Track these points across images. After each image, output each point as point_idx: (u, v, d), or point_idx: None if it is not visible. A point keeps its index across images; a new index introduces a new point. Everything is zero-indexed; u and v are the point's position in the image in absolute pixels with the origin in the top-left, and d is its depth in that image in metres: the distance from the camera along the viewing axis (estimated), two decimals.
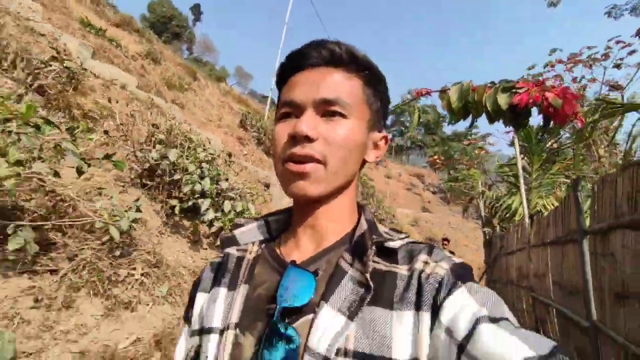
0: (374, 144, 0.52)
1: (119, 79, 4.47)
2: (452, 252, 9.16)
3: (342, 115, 0.46)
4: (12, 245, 1.49)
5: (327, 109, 0.46)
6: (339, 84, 0.47)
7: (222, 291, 0.49)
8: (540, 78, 11.47)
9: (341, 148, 0.46)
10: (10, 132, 1.60)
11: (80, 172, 1.86)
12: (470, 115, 3.51)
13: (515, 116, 3.10)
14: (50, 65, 2.75)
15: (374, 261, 0.45)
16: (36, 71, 2.66)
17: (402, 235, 0.49)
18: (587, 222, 3.10)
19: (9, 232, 1.57)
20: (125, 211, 1.91)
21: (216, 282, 0.51)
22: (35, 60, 2.77)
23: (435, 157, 13.51)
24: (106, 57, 5.47)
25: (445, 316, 0.38)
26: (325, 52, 0.48)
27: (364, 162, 0.52)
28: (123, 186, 2.61)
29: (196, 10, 52.37)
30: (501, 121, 3.36)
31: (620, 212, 2.35)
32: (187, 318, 0.53)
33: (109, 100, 3.03)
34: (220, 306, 0.47)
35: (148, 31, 13.67)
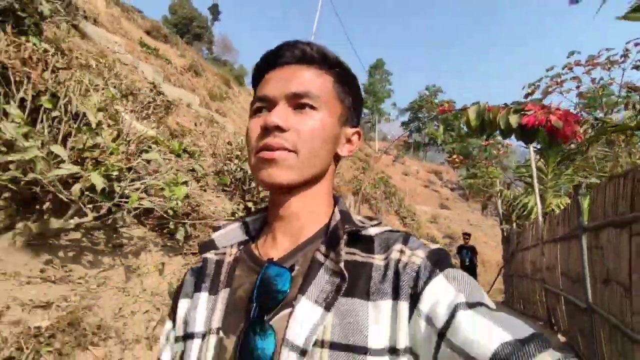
0: (346, 138, 0.54)
1: (183, 99, 5.30)
2: (473, 247, 9.46)
3: (312, 107, 0.48)
4: (179, 236, 2.29)
5: (297, 102, 0.48)
6: (309, 80, 0.49)
7: (203, 296, 0.50)
8: (559, 79, 11.78)
9: (312, 138, 0.47)
10: (169, 160, 2.40)
11: (198, 183, 2.65)
12: (486, 131, 4.16)
13: (525, 134, 3.73)
14: (155, 100, 3.58)
15: (351, 252, 0.46)
16: (148, 103, 3.49)
17: (375, 222, 0.50)
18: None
19: (171, 226, 2.37)
20: (233, 213, 2.69)
21: (197, 288, 0.52)
22: (140, 94, 3.60)
23: (455, 156, 13.95)
24: (165, 76, 6.34)
25: (424, 305, 0.39)
26: (298, 51, 0.51)
27: (338, 156, 0.54)
28: (212, 192, 3.41)
29: (214, 10, 53.56)
30: (513, 137, 4.00)
31: (607, 214, 2.95)
32: (172, 319, 0.54)
33: (196, 125, 3.85)
34: (202, 311, 0.48)
35: (175, 36, 14.58)
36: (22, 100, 1.74)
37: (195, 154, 2.80)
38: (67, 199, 1.76)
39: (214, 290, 0.49)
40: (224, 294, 0.48)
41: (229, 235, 0.55)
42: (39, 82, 1.79)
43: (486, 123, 4.00)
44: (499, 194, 9.92)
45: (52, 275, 1.78)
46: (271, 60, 0.52)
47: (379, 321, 0.40)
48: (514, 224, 8.72)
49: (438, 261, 0.42)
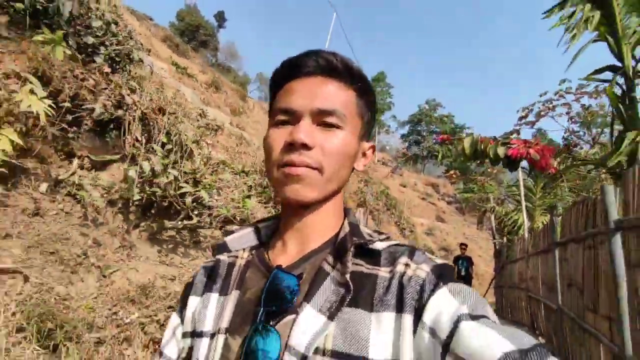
0: (363, 153, 0.56)
1: (217, 118, 6.07)
2: (469, 258, 10.06)
3: (338, 126, 0.49)
4: None
5: (323, 119, 0.48)
6: (335, 95, 0.49)
7: (214, 296, 0.51)
8: (551, 105, 12.72)
9: (336, 157, 0.48)
10: (234, 178, 3.15)
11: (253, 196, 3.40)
12: (479, 159, 4.99)
13: (510, 163, 4.54)
14: (208, 124, 4.35)
15: (357, 263, 0.47)
16: (201, 127, 4.25)
17: (383, 237, 0.51)
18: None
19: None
20: None
21: (208, 288, 0.53)
22: (192, 119, 4.36)
23: (452, 172, 14.77)
24: (196, 96, 7.11)
25: (428, 317, 0.40)
26: (322, 61, 0.50)
27: (353, 169, 0.55)
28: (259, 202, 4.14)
29: (220, 17, 54.59)
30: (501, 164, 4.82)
31: (571, 232, 3.70)
32: (180, 315, 0.56)
33: (236, 145, 4.58)
34: (212, 311, 0.50)
35: (185, 45, 15.19)
36: (151, 136, 2.50)
37: (249, 172, 3.54)
38: (180, 207, 2.50)
39: (224, 291, 0.51)
40: (234, 295, 0.50)
41: (242, 239, 0.56)
42: (161, 124, 2.55)
43: (478, 153, 4.84)
44: (492, 210, 10.65)
45: (164, 260, 2.52)
46: (293, 69, 0.52)
47: (381, 333, 0.41)
48: (505, 239, 9.45)
49: (442, 275, 0.44)
